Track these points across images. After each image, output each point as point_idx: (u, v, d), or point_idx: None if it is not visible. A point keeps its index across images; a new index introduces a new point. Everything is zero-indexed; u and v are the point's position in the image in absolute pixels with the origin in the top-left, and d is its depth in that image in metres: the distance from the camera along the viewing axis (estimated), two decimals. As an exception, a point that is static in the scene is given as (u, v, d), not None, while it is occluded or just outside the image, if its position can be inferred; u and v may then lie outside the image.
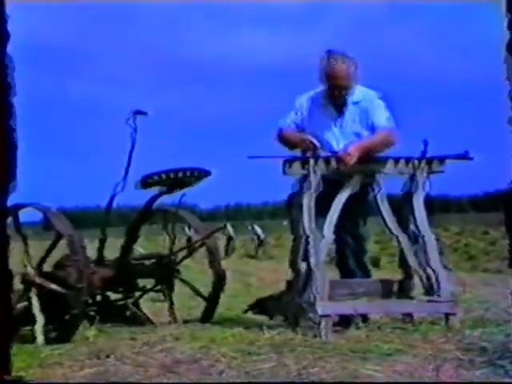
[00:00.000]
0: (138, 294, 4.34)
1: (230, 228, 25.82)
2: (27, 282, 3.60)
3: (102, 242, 4.15)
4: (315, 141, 3.65)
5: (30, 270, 3.62)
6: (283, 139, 3.78)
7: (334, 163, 3.52)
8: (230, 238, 24.91)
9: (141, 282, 4.36)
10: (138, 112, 4.01)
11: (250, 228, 24.64)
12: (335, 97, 3.71)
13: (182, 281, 4.37)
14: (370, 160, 3.62)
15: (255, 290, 8.03)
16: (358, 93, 3.75)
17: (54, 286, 3.59)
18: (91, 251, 3.98)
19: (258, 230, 23.76)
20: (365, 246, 3.97)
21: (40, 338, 3.44)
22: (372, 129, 3.71)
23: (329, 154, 3.61)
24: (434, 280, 3.57)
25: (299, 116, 3.82)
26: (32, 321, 3.52)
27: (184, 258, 4.41)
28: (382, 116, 3.70)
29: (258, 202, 40.38)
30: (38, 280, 3.60)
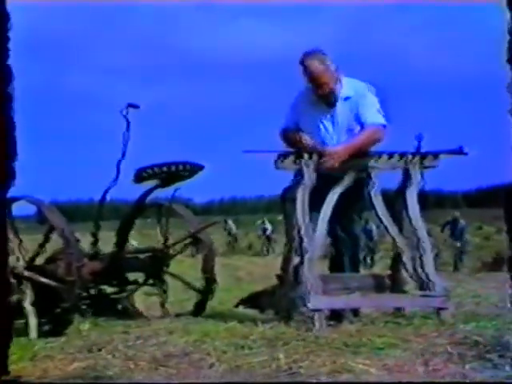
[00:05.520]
0: (132, 287, 4.35)
1: (231, 224, 25.70)
2: (15, 276, 3.59)
3: (95, 235, 4.15)
4: (309, 138, 3.67)
5: (19, 264, 3.61)
6: (284, 140, 3.82)
7: (323, 160, 3.53)
8: (234, 235, 24.55)
9: (135, 276, 4.37)
10: (130, 105, 4.01)
11: (258, 223, 24.38)
12: (322, 94, 3.72)
13: (171, 275, 4.38)
14: (363, 155, 3.63)
15: (246, 285, 8.03)
16: (349, 87, 3.76)
17: (42, 280, 3.58)
18: (84, 245, 3.98)
19: (268, 225, 23.46)
20: (358, 241, 3.99)
21: (33, 332, 3.43)
22: (362, 124, 3.72)
23: (319, 150, 3.61)
24: (425, 275, 3.58)
25: (296, 114, 3.84)
26: (25, 314, 3.52)
27: (179, 252, 4.41)
28: (371, 111, 3.70)
29: (252, 196, 40.39)
30: (27, 273, 3.60)
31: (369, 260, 17.13)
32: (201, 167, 4.12)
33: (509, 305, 3.42)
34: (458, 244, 16.96)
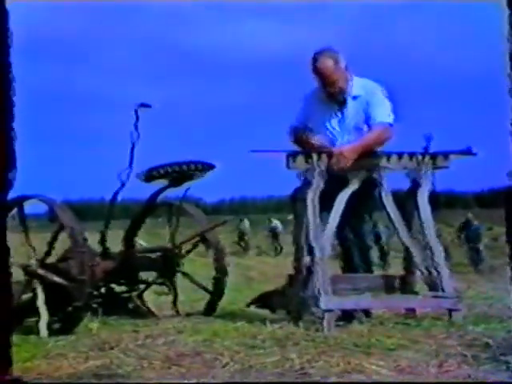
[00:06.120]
0: (142, 286, 4.36)
1: (246, 223, 25.34)
2: (30, 274, 3.62)
3: (104, 234, 4.16)
4: (317, 139, 3.67)
5: (33, 262, 3.63)
6: (293, 139, 3.82)
7: (332, 161, 3.52)
8: (244, 234, 24.28)
9: (146, 275, 4.38)
10: (142, 105, 4.02)
11: (267, 223, 24.21)
12: (331, 93, 3.72)
13: (184, 274, 4.39)
14: (373, 155, 3.62)
15: (257, 284, 8.02)
16: (359, 86, 3.76)
17: (56, 278, 3.60)
18: (95, 243, 4.00)
19: (278, 224, 23.27)
20: (369, 241, 3.99)
21: (44, 330, 3.45)
22: (370, 123, 3.72)
23: (328, 151, 3.60)
24: (437, 276, 3.57)
25: (306, 112, 3.84)
26: (36, 312, 3.54)
27: (188, 251, 4.42)
28: (380, 110, 3.70)
29: (263, 196, 40.38)
30: (41, 272, 3.62)
31: (381, 261, 17.03)
32: (211, 166, 4.13)
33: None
34: (474, 245, 16.84)
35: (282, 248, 22.08)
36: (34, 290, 3.60)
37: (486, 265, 16.30)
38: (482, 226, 17.97)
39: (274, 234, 23.20)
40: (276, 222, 23.48)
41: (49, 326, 3.48)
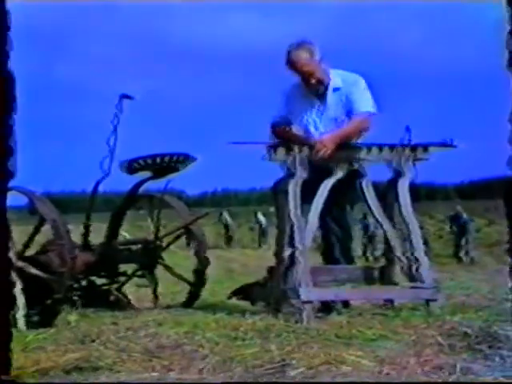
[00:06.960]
0: (123, 279, 4.35)
1: (226, 216, 25.60)
2: None
3: (87, 227, 4.14)
4: (298, 132, 3.68)
5: (11, 255, 3.60)
6: (275, 134, 3.82)
7: (313, 151, 3.53)
8: (227, 227, 24.39)
9: (127, 267, 4.37)
10: (124, 96, 3.99)
11: (254, 215, 24.26)
12: (309, 85, 3.72)
13: (166, 267, 4.38)
14: (354, 147, 3.64)
15: (238, 276, 8.04)
16: (338, 79, 3.77)
17: (34, 271, 3.57)
18: (76, 236, 3.97)
19: (261, 217, 23.36)
20: (351, 232, 4.00)
21: (22, 323, 3.43)
22: (351, 113, 3.73)
23: (308, 142, 3.61)
24: (416, 267, 3.60)
25: (287, 107, 3.84)
26: (14, 305, 3.50)
27: (170, 243, 4.41)
28: (360, 101, 3.71)
29: (245, 189, 40.44)
30: (19, 264, 3.59)
31: (370, 255, 17.07)
32: (194, 159, 4.13)
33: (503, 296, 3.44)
34: (463, 241, 16.97)
35: (261, 241, 22.16)
36: (12, 283, 3.56)
37: (468, 256, 16.50)
38: (470, 219, 18.08)
39: (261, 227, 23.29)
40: (260, 216, 23.58)
41: (27, 319, 3.45)
